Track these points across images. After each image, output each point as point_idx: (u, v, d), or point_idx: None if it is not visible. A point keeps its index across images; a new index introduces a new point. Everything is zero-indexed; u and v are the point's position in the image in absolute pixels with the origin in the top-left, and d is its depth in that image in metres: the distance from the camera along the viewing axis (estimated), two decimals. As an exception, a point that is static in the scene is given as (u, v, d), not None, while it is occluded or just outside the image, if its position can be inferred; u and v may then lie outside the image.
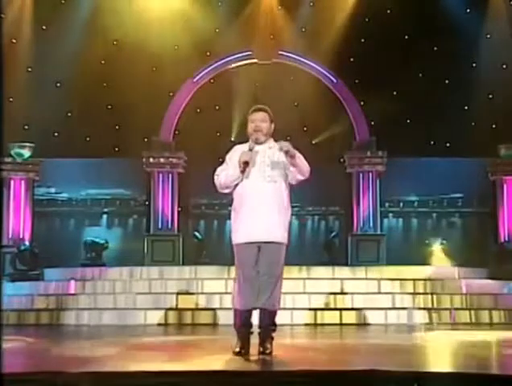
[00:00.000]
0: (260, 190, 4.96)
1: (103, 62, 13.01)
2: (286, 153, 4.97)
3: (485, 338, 7.02)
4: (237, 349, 4.95)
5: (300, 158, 5.05)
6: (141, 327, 8.46)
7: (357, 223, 12.98)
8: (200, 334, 7.80)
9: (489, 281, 10.34)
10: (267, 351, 4.91)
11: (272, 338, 5.08)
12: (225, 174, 5.11)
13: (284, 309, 8.73)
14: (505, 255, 11.42)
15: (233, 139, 13.27)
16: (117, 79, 12.58)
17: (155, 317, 8.90)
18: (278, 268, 4.95)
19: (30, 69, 12.84)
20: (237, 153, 5.12)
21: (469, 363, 4.98)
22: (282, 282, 5.06)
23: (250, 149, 5.03)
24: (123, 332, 7.83)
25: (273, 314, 5.06)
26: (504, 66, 12.80)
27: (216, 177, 5.21)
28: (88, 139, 12.90)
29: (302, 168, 5.06)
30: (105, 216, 13.44)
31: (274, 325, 5.12)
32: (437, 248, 12.33)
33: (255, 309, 5.01)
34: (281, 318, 8.57)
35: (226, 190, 5.18)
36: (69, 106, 12.79)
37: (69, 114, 12.91)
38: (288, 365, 3.99)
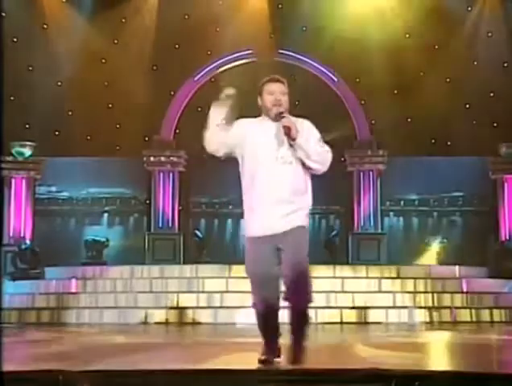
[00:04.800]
0: (272, 174, 4.15)
1: (104, 61, 13.02)
2: (286, 131, 4.16)
3: (485, 337, 7.02)
4: (263, 356, 4.19)
5: (308, 142, 4.20)
6: (141, 326, 8.47)
7: (358, 222, 12.98)
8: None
9: (490, 280, 10.34)
10: (298, 363, 4.03)
11: (304, 343, 4.19)
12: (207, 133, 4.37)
13: (284, 307, 8.75)
14: (506, 253, 11.42)
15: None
16: (118, 78, 12.58)
17: (156, 315, 8.91)
18: (304, 252, 4.17)
19: (31, 68, 12.84)
20: (246, 123, 4.36)
21: (469, 361, 4.98)
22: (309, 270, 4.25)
23: (280, 115, 4.19)
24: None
25: (305, 311, 4.23)
26: (505, 64, 12.78)
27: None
28: (88, 138, 12.90)
29: (308, 152, 4.19)
30: (105, 215, 13.44)
31: (307, 324, 4.25)
32: (436, 246, 12.32)
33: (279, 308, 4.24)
34: (282, 316, 8.62)
35: (214, 146, 4.38)
36: (70, 105, 12.79)
37: (70, 113, 12.91)
38: (287, 363, 3.99)
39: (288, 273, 4.08)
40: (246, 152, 4.27)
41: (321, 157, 4.27)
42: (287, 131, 4.14)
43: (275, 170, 4.17)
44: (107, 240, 12.41)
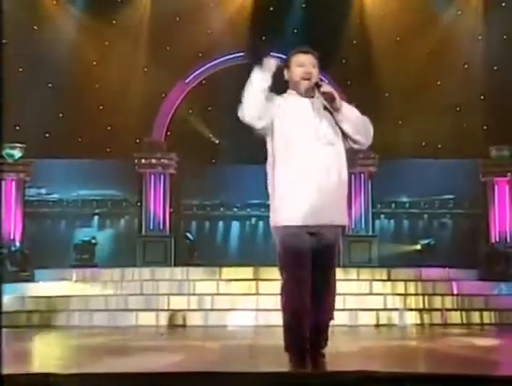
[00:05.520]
0: (314, 156, 3.65)
1: (95, 63, 12.99)
2: (329, 98, 3.69)
3: (474, 340, 7.04)
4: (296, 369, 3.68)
5: (353, 110, 3.80)
6: (132, 328, 8.44)
7: (349, 225, 12.99)
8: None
9: (480, 282, 10.39)
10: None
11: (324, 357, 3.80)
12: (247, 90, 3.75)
13: (276, 310, 8.74)
14: (496, 256, 11.47)
15: (217, 142, 13.29)
16: (109, 79, 12.56)
17: (147, 318, 8.88)
18: (335, 260, 3.89)
19: (21, 69, 12.79)
20: (279, 101, 3.83)
21: (459, 364, 5.00)
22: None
23: (316, 85, 3.75)
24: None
25: (328, 325, 3.88)
26: (495, 67, 12.84)
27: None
28: (79, 140, 12.86)
29: (355, 121, 3.73)
30: (96, 217, 13.40)
31: (327, 339, 3.87)
32: (423, 247, 12.33)
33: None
34: (273, 319, 8.61)
35: (256, 112, 3.74)
36: (61, 107, 12.75)
37: (61, 115, 12.86)
38: (278, 366, 3.98)
39: (317, 284, 3.68)
40: (284, 129, 3.73)
41: (366, 126, 3.84)
42: (330, 98, 3.70)
43: (318, 153, 3.66)
44: (93, 238, 12.35)
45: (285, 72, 3.94)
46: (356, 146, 3.84)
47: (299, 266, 3.64)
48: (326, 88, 3.74)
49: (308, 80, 3.79)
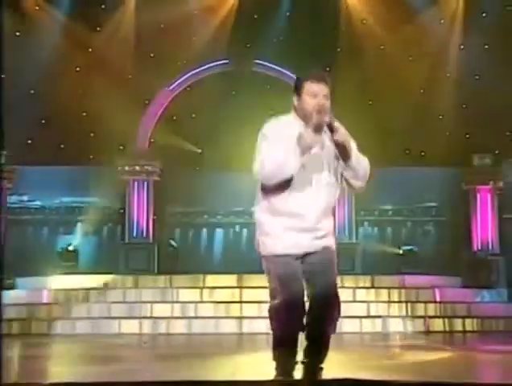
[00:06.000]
0: (310, 197, 3.55)
1: (78, 69, 12.93)
2: (342, 150, 3.52)
3: (458, 346, 7.07)
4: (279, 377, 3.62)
5: (358, 156, 3.65)
6: (115, 336, 8.38)
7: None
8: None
9: (463, 290, 10.45)
10: None
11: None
12: (275, 161, 3.46)
13: (260, 317, 8.72)
14: (479, 264, 11.54)
15: (199, 151, 13.28)
16: (93, 86, 12.50)
17: (130, 326, 8.82)
18: (335, 273, 3.74)
19: (3, 76, 12.68)
20: (286, 132, 3.55)
21: (441, 371, 5.01)
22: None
23: (330, 128, 3.51)
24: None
25: (330, 338, 3.74)
26: (477, 76, 12.96)
27: (260, 164, 3.52)
28: (62, 146, 12.77)
29: (359, 172, 3.64)
30: (79, 225, 13.29)
31: (327, 354, 3.74)
32: (405, 252, 12.36)
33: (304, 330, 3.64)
34: (256, 326, 8.59)
35: (274, 182, 3.53)
36: (43, 113, 12.66)
37: (43, 121, 12.77)
38: (261, 374, 3.96)
39: (319, 296, 3.55)
40: None
41: (366, 172, 3.70)
42: (342, 150, 3.53)
43: (313, 194, 3.56)
44: (75, 246, 12.23)
45: (294, 99, 3.68)
46: (350, 189, 3.77)
47: (288, 292, 3.51)
48: (340, 136, 3.51)
49: (321, 112, 3.51)
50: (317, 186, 3.57)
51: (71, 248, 12.29)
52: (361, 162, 3.66)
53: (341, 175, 3.68)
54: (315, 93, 3.57)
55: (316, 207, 3.59)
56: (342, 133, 3.53)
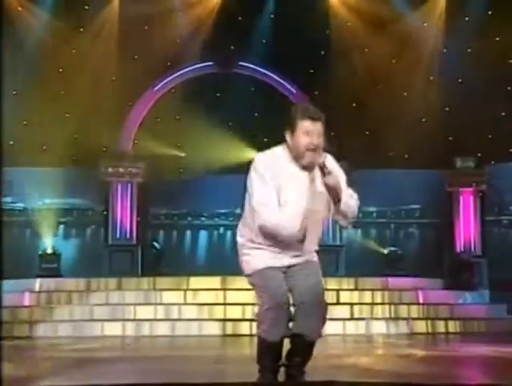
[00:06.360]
0: (295, 229, 3.56)
1: (61, 70, 12.85)
2: (334, 193, 3.55)
3: (441, 349, 7.10)
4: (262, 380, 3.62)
5: (348, 199, 3.65)
6: (98, 339, 8.32)
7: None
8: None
9: (445, 292, 10.51)
10: None
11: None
12: (280, 223, 3.52)
13: (244, 320, 8.71)
14: (461, 266, 11.61)
15: (183, 155, 13.25)
16: (76, 87, 12.43)
17: (113, 328, 8.77)
18: (320, 275, 3.76)
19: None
20: (275, 175, 3.55)
21: (424, 373, 5.03)
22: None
23: (321, 170, 3.51)
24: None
25: (314, 343, 3.70)
26: (459, 80, 13.05)
27: (266, 215, 3.52)
28: (44, 148, 12.68)
29: (346, 212, 3.64)
30: (62, 226, 13.20)
31: (310, 358, 3.71)
32: (390, 253, 12.40)
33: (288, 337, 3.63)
34: (240, 328, 8.58)
35: (298, 226, 3.57)
36: (26, 114, 12.56)
37: (25, 123, 12.67)
38: (243, 377, 3.95)
39: (305, 297, 3.56)
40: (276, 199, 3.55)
41: (355, 212, 3.68)
42: (334, 193, 3.54)
43: (308, 226, 3.59)
44: (51, 247, 12.12)
45: (287, 135, 3.64)
46: (337, 223, 3.77)
47: (272, 297, 3.53)
48: (332, 179, 3.49)
49: (314, 151, 3.52)
50: (306, 219, 3.56)
51: (53, 250, 12.19)
52: (350, 204, 3.64)
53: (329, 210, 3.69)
54: (310, 132, 3.55)
55: (305, 241, 3.63)
56: (334, 176, 3.52)
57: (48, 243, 12.61)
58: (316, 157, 3.51)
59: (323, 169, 3.49)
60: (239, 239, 3.72)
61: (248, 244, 3.67)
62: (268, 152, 3.70)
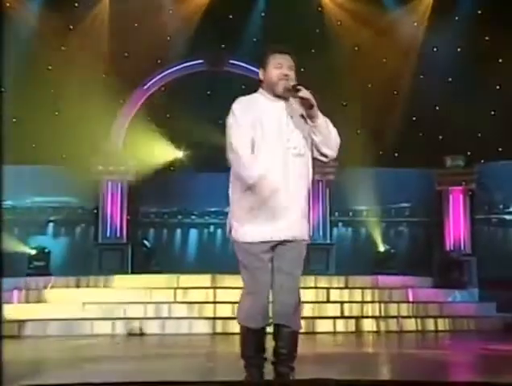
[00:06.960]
0: (283, 168, 3.52)
1: (50, 68, 12.79)
2: (307, 105, 3.56)
3: (429, 348, 7.13)
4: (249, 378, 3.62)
5: (326, 121, 3.69)
6: (88, 338, 8.29)
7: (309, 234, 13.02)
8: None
9: (435, 290, 10.55)
10: None
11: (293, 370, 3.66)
12: (242, 163, 3.52)
13: (234, 318, 8.70)
14: (451, 264, 11.66)
15: (174, 153, 13.23)
16: (66, 85, 12.37)
17: (103, 327, 8.74)
18: (300, 271, 3.77)
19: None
20: (253, 107, 3.66)
21: (412, 370, 5.05)
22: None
23: (294, 89, 3.57)
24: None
25: (297, 334, 3.76)
26: (449, 79, 13.10)
27: (234, 155, 3.56)
28: (34, 146, 12.62)
29: (326, 134, 3.63)
30: (51, 225, 13.15)
31: (296, 351, 3.72)
32: (385, 251, 12.44)
33: (269, 325, 3.70)
34: (230, 327, 8.57)
35: (260, 170, 3.52)
36: (14, 112, 12.48)
37: (14, 120, 12.61)
38: (232, 375, 3.95)
39: (286, 288, 3.63)
40: (256, 136, 3.57)
41: (335, 140, 3.72)
42: (308, 105, 3.57)
43: (288, 164, 3.54)
44: (40, 245, 12.05)
45: (260, 73, 3.80)
46: (321, 158, 3.73)
47: (255, 282, 3.59)
48: (304, 93, 3.56)
49: (286, 80, 3.67)
50: (287, 156, 3.57)
51: (43, 248, 12.12)
52: (330, 126, 3.71)
53: (312, 144, 3.69)
54: (280, 64, 3.73)
55: (288, 177, 3.56)
56: (306, 91, 3.60)
57: (37, 241, 12.57)
58: (289, 83, 3.64)
59: (295, 87, 3.60)
60: (230, 191, 3.71)
61: (235, 199, 3.63)
62: (245, 96, 3.81)
